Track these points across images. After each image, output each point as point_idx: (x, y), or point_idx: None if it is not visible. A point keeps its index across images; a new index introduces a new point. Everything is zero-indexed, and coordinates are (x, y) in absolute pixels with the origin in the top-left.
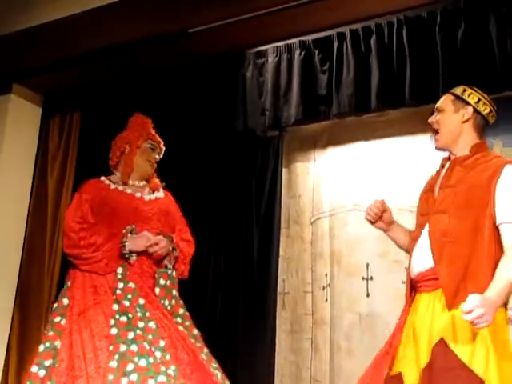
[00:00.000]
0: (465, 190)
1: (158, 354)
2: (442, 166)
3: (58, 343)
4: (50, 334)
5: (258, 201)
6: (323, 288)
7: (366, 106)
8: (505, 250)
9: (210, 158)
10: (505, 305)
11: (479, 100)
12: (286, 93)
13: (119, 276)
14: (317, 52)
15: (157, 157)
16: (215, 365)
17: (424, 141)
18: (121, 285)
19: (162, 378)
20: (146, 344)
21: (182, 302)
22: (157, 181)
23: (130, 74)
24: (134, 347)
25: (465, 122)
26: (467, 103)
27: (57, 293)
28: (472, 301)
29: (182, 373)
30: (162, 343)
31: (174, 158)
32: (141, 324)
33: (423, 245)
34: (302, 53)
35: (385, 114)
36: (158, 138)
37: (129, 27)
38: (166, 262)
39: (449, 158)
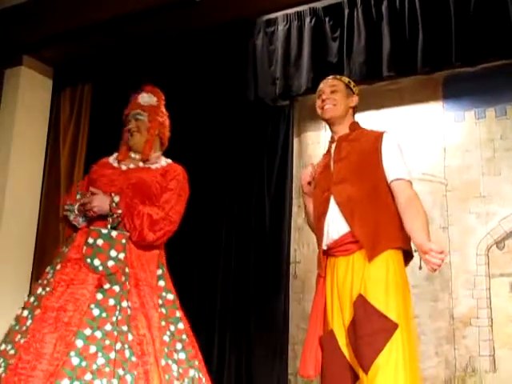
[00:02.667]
0: (356, 159)
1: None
2: (329, 148)
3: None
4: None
5: (270, 170)
6: None
7: (377, 73)
8: (400, 203)
9: (221, 128)
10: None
11: (358, 94)
12: (297, 61)
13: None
14: (327, 19)
15: (132, 124)
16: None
17: (435, 109)
18: (62, 249)
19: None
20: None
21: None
22: (146, 151)
23: (140, 44)
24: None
25: (351, 107)
26: (353, 93)
27: None
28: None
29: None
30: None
31: (185, 127)
32: (39, 290)
33: (333, 214)
34: (313, 20)
35: (396, 82)
36: (132, 102)
37: None
38: (108, 220)
39: (332, 141)
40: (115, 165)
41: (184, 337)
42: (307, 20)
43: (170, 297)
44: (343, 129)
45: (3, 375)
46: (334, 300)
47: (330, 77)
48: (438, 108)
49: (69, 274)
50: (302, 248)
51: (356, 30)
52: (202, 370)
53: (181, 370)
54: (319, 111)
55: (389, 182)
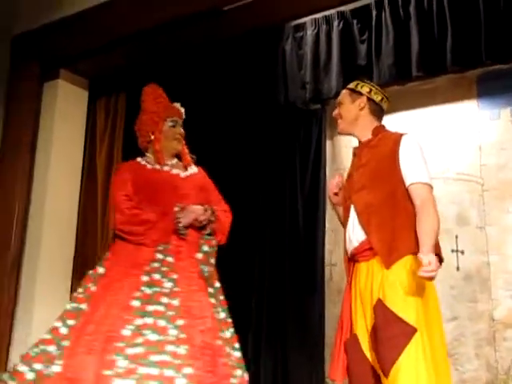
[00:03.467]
0: (374, 165)
1: (173, 332)
2: (354, 154)
3: (84, 306)
4: (80, 296)
5: (303, 173)
6: None
7: (406, 74)
8: (416, 207)
9: (254, 133)
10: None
11: (371, 90)
12: (326, 65)
13: (160, 248)
14: (355, 22)
15: (181, 130)
16: (229, 351)
17: (469, 107)
18: (159, 256)
19: (164, 357)
20: (161, 321)
21: (216, 274)
22: (188, 156)
23: (171, 53)
24: (148, 320)
25: (361, 109)
26: (361, 94)
27: None
28: (430, 260)
29: (191, 354)
30: (181, 322)
31: (218, 134)
32: (164, 300)
33: (353, 222)
34: (341, 23)
35: (428, 82)
36: (175, 108)
37: (166, 8)
38: (206, 231)
39: (355, 148)
40: (165, 169)
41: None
42: (335, 24)
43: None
44: (364, 134)
45: None
46: (358, 305)
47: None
48: (472, 106)
49: (188, 283)
50: (337, 249)
51: (384, 32)
52: None
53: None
54: None
55: (406, 185)
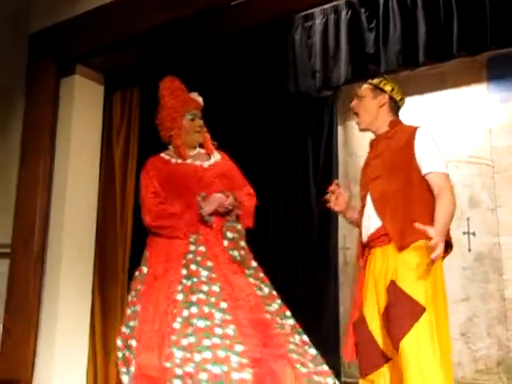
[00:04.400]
0: (389, 155)
1: (219, 316)
2: (371, 146)
3: (138, 307)
4: (134, 299)
5: (316, 159)
6: None
7: (413, 60)
8: (435, 195)
9: (267, 122)
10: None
11: (393, 89)
12: (335, 53)
13: (191, 240)
14: (363, 10)
15: (200, 122)
16: (281, 321)
17: (479, 91)
18: (192, 248)
19: (216, 340)
20: (206, 307)
21: (251, 254)
22: (210, 145)
23: (183, 47)
24: (194, 309)
25: (381, 106)
26: (383, 91)
27: (130, 261)
28: (434, 235)
29: (240, 332)
30: (224, 305)
31: (233, 122)
32: (204, 288)
33: (369, 210)
34: (349, 12)
35: (438, 67)
36: (193, 100)
37: (178, 6)
38: (231, 217)
39: (372, 140)
40: (188, 161)
41: None
42: (343, 13)
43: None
44: (381, 128)
45: None
46: (369, 287)
47: (362, 84)
48: (482, 90)
49: (223, 268)
50: (351, 234)
51: (391, 20)
52: None
53: None
54: None
55: (423, 174)
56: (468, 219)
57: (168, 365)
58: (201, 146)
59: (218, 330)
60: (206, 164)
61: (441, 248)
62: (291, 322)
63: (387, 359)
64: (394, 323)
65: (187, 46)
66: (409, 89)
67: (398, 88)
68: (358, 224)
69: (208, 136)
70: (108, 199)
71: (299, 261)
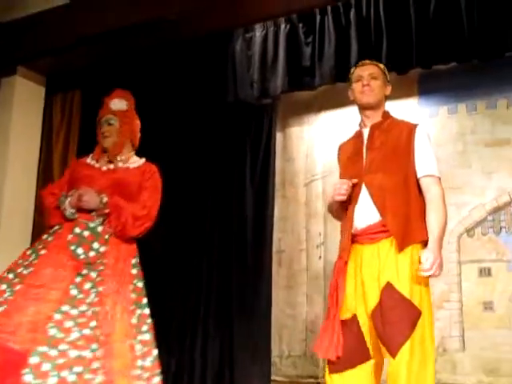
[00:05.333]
0: (390, 149)
1: (8, 289)
2: (360, 134)
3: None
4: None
5: (253, 164)
6: (317, 246)
7: (345, 76)
8: (426, 199)
9: (207, 128)
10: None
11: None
12: (273, 65)
13: (51, 231)
14: (301, 25)
15: (105, 127)
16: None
17: (410, 104)
18: (45, 236)
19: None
20: (4, 285)
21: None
22: (115, 151)
23: (126, 54)
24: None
25: (385, 96)
26: (389, 85)
27: None
28: (428, 257)
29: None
30: (19, 287)
31: (173, 130)
32: (19, 270)
33: (364, 203)
34: (287, 26)
35: None
36: (104, 107)
37: (121, 15)
38: (93, 214)
39: (362, 127)
40: (96, 165)
41: (149, 321)
42: (282, 26)
43: (140, 284)
44: (376, 116)
45: None
46: (358, 286)
47: (367, 61)
48: (413, 104)
49: (52, 258)
50: (286, 237)
51: (327, 36)
52: None
53: (145, 349)
54: (357, 95)
55: (418, 176)
56: None
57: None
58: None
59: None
60: (105, 167)
61: (433, 263)
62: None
63: (369, 358)
64: (392, 328)
65: (130, 52)
66: (345, 100)
67: None
68: (338, 216)
69: (119, 144)
70: None
71: (234, 263)
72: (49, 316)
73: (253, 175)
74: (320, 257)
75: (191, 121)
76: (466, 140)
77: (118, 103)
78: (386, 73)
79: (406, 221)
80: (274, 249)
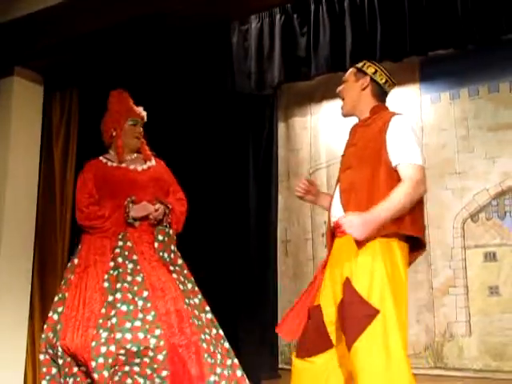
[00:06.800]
0: (362, 144)
1: (140, 303)
2: (350, 133)
3: (66, 294)
4: (63, 287)
5: (256, 154)
6: (322, 235)
7: (341, 65)
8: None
9: (208, 120)
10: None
11: (376, 71)
12: (269, 56)
13: (120, 237)
14: (295, 16)
15: (141, 129)
16: (198, 314)
17: (412, 91)
18: (120, 243)
19: (137, 323)
20: (129, 294)
21: (179, 254)
22: (148, 152)
23: (124, 49)
24: (118, 295)
25: (363, 89)
26: (366, 74)
27: (68, 255)
28: (347, 217)
29: (158, 317)
30: (146, 293)
31: (174, 123)
32: (129, 278)
33: (336, 197)
34: (282, 17)
35: None
36: (137, 110)
37: (115, 11)
38: (164, 222)
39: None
40: (130, 167)
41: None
42: (277, 17)
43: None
44: (363, 113)
45: None
46: (327, 276)
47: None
48: (415, 90)
49: (148, 262)
50: (292, 227)
51: (322, 26)
52: None
53: None
54: None
55: (393, 167)
56: None
57: (93, 344)
58: (139, 152)
59: (140, 315)
60: (140, 168)
61: (353, 227)
62: (209, 316)
63: (332, 346)
64: (347, 324)
65: (127, 47)
66: None
67: (382, 71)
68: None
69: (146, 145)
70: (47, 198)
71: (238, 255)
72: (184, 309)
73: (255, 166)
74: (325, 246)
75: (192, 113)
76: (468, 125)
77: (143, 112)
78: (364, 67)
79: None
80: (280, 239)
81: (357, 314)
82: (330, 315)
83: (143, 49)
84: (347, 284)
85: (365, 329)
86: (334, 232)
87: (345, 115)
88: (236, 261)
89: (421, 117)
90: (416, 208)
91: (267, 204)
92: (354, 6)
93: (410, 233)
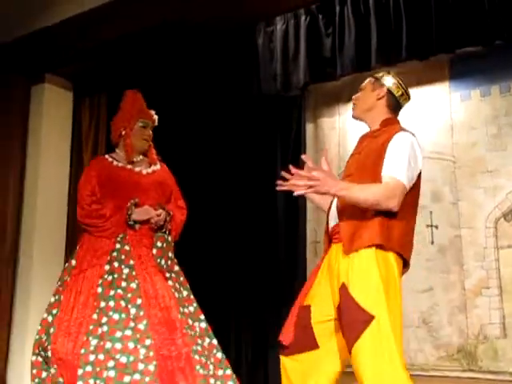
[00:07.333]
0: (365, 154)
1: (133, 311)
2: (358, 142)
3: (61, 296)
4: (60, 288)
5: (284, 156)
6: None
7: (366, 65)
8: None
9: (235, 122)
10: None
11: (394, 83)
12: (295, 58)
13: (118, 239)
14: (321, 17)
15: (150, 132)
16: (192, 323)
17: (441, 89)
18: (118, 246)
19: (128, 332)
20: (122, 302)
21: (176, 260)
22: (154, 155)
23: (152, 54)
24: (111, 303)
25: (379, 99)
26: (383, 85)
27: None
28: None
29: (151, 328)
30: (139, 301)
31: (202, 126)
32: (123, 284)
33: (334, 203)
34: (308, 18)
35: (402, 66)
36: (149, 113)
37: (143, 17)
38: (164, 228)
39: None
40: (135, 169)
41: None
42: (302, 18)
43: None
44: (374, 124)
45: None
46: (323, 280)
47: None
48: (444, 88)
49: (144, 268)
50: (321, 229)
51: (346, 26)
52: None
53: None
54: None
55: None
56: (431, 213)
57: (82, 351)
58: (146, 155)
59: (131, 324)
60: (145, 171)
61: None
62: (203, 325)
63: (316, 347)
64: (345, 329)
65: (155, 52)
66: None
67: (399, 84)
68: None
69: (153, 148)
70: None
71: (268, 255)
72: (178, 319)
73: (284, 167)
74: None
75: (220, 116)
76: (500, 122)
77: (155, 116)
78: (381, 78)
79: (359, 225)
80: (310, 239)
81: (353, 319)
82: (317, 317)
83: (170, 54)
84: (343, 290)
85: (362, 334)
86: (330, 237)
87: (354, 117)
88: (265, 262)
89: (451, 115)
90: (408, 229)
91: (296, 205)
92: (379, 5)
93: (397, 250)
